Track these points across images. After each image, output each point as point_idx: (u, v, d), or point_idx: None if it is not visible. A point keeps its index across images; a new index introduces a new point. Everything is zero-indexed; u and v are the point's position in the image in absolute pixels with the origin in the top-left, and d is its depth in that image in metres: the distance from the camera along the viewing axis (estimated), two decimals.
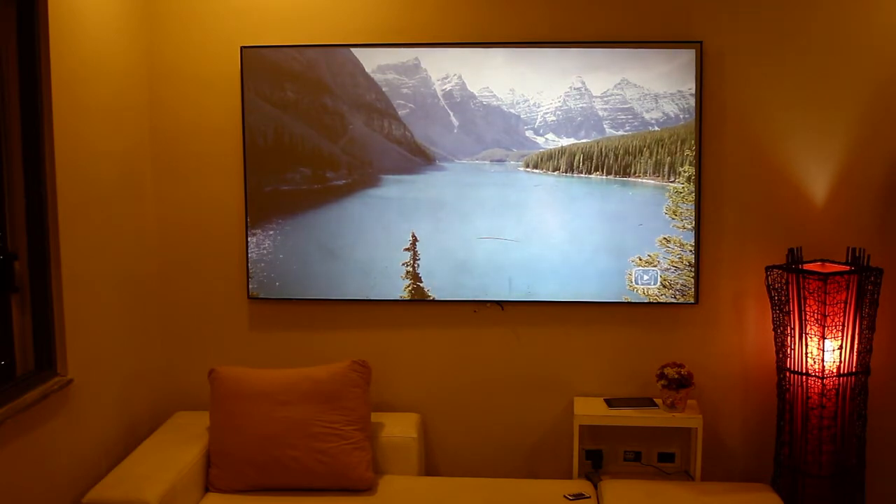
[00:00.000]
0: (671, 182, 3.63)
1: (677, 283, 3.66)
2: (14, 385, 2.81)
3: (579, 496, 3.33)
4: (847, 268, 3.39)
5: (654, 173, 3.64)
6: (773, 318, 3.52)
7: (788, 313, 3.42)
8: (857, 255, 3.39)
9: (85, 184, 3.20)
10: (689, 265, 3.66)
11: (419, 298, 3.75)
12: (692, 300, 3.68)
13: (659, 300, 3.68)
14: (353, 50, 3.67)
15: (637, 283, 3.68)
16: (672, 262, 3.66)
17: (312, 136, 3.73)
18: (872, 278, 3.33)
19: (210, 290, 3.87)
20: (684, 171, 3.61)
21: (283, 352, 3.85)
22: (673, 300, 3.68)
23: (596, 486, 3.47)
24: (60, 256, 3.00)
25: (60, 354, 3.04)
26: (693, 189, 3.62)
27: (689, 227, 3.64)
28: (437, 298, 3.75)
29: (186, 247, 3.85)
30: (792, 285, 3.39)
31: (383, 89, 3.69)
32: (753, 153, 3.65)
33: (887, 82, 3.56)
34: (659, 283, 3.67)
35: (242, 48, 3.69)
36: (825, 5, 3.57)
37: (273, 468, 3.33)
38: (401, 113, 3.72)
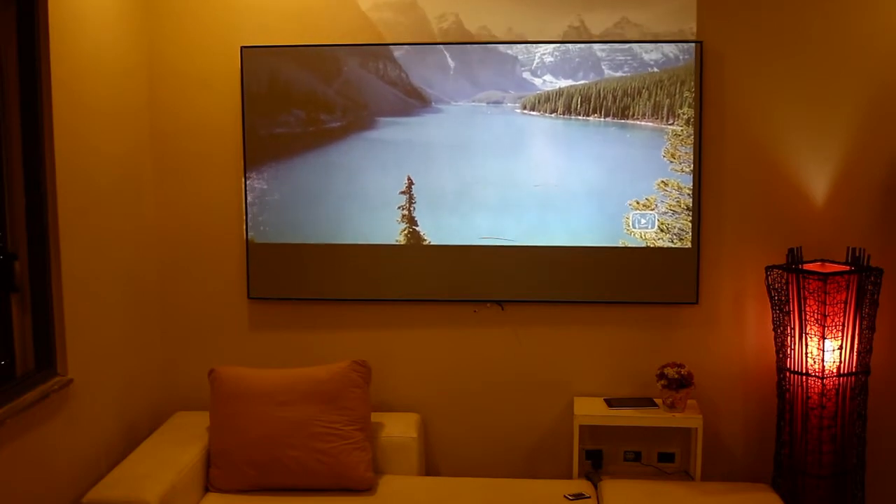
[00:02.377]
0: (670, 125, 3.60)
1: (675, 227, 3.62)
2: (14, 385, 2.81)
3: (579, 496, 3.33)
4: (847, 268, 3.39)
5: (652, 115, 3.60)
6: (773, 318, 3.52)
7: (788, 313, 3.42)
8: (857, 255, 3.39)
9: (85, 184, 3.20)
10: (687, 209, 3.62)
11: (415, 243, 3.71)
12: (689, 245, 3.63)
13: (656, 244, 3.64)
14: None
15: (634, 227, 3.64)
16: (670, 205, 3.62)
17: (307, 77, 3.70)
18: (872, 278, 3.33)
19: (210, 290, 3.87)
20: (683, 114, 3.58)
21: (283, 352, 3.85)
22: (670, 244, 3.63)
23: (596, 486, 3.47)
24: (60, 256, 3.00)
25: (60, 354, 3.04)
26: (692, 132, 3.57)
27: (688, 170, 3.60)
28: (432, 242, 3.71)
29: (186, 247, 3.85)
30: (792, 285, 3.39)
31: (379, 29, 3.65)
32: (753, 153, 3.65)
33: (888, 82, 3.56)
34: (656, 227, 3.64)
35: (242, 48, 3.69)
36: (825, 5, 3.56)
37: (273, 468, 3.33)
38: (396, 54, 3.68)
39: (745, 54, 3.61)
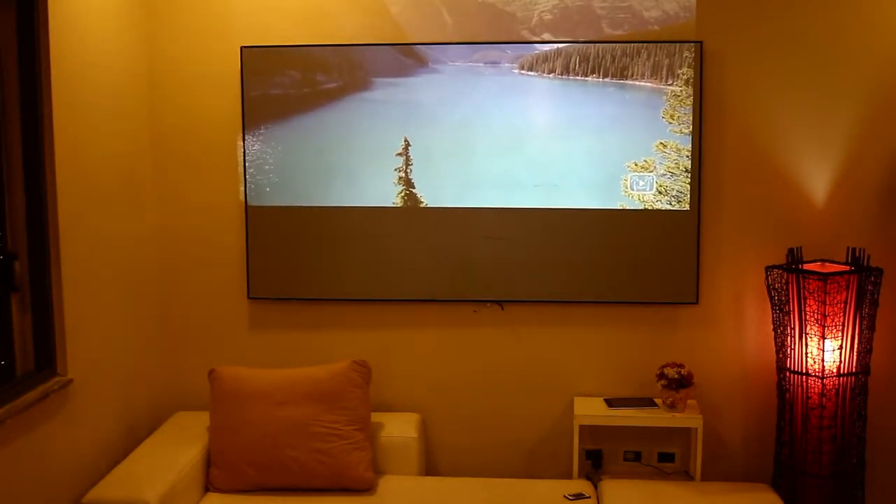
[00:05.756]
0: (669, 85, 3.57)
1: (673, 189, 3.59)
2: (14, 385, 2.81)
3: (579, 496, 3.33)
4: (847, 268, 3.39)
5: (651, 76, 3.57)
6: (773, 318, 3.52)
7: (788, 313, 3.42)
8: (857, 255, 3.39)
9: (85, 183, 3.20)
10: (686, 171, 3.60)
11: (412, 205, 3.69)
12: (687, 207, 3.62)
13: (654, 206, 3.62)
14: None
15: (633, 189, 3.61)
16: (668, 167, 3.60)
17: (303, 38, 3.67)
18: (872, 278, 3.33)
19: (210, 290, 3.87)
20: (683, 74, 3.55)
21: (283, 352, 3.85)
22: (668, 206, 3.61)
23: (596, 486, 3.47)
24: (60, 256, 3.00)
25: (60, 354, 3.04)
26: (691, 92, 3.54)
27: (687, 131, 3.57)
28: (429, 205, 3.69)
29: (186, 246, 3.85)
30: (792, 285, 3.39)
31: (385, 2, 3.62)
32: (753, 153, 3.65)
33: (888, 82, 3.56)
34: (655, 189, 3.61)
35: (242, 48, 3.69)
36: (826, 5, 3.56)
37: (273, 468, 3.33)
38: (392, 10, 3.64)
39: (745, 54, 3.60)
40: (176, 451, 3.32)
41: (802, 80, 3.60)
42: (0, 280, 2.90)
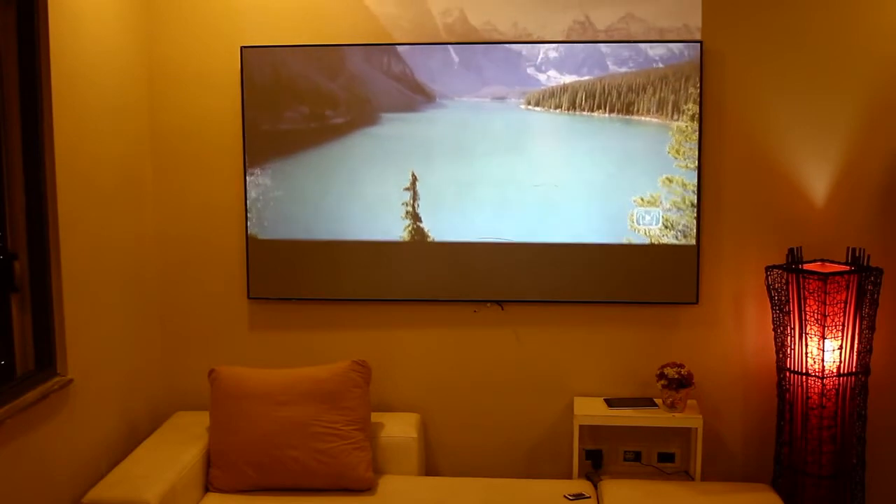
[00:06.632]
0: (675, 120, 3.59)
1: (679, 224, 3.61)
2: (14, 385, 2.80)
3: (579, 496, 3.33)
4: (847, 268, 3.39)
5: (657, 111, 3.60)
6: (773, 318, 3.52)
7: (788, 313, 3.42)
8: (857, 255, 3.39)
9: (85, 183, 3.20)
10: (692, 205, 3.61)
11: (419, 240, 3.71)
12: (693, 242, 3.64)
13: (661, 241, 3.64)
14: None
15: (639, 224, 3.64)
16: (674, 202, 3.61)
17: (310, 73, 3.70)
18: (872, 278, 3.33)
19: (210, 290, 3.87)
20: (688, 110, 3.57)
21: (283, 352, 3.85)
22: (675, 241, 3.63)
23: (596, 486, 3.47)
24: (60, 256, 3.00)
25: (60, 354, 3.04)
26: (696, 128, 3.57)
27: (692, 166, 3.59)
28: (436, 239, 3.71)
29: (186, 246, 3.85)
30: (792, 285, 3.39)
31: (382, 22, 3.64)
32: (753, 154, 3.65)
33: (887, 82, 3.56)
34: (661, 224, 3.63)
35: (242, 48, 3.69)
36: (826, 5, 3.56)
37: (273, 468, 3.33)
38: (400, 49, 3.68)
39: (745, 54, 3.60)
40: (176, 451, 3.32)
41: (802, 80, 3.60)
42: (0, 280, 2.90)
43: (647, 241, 3.65)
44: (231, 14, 3.72)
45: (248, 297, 3.83)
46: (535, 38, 3.63)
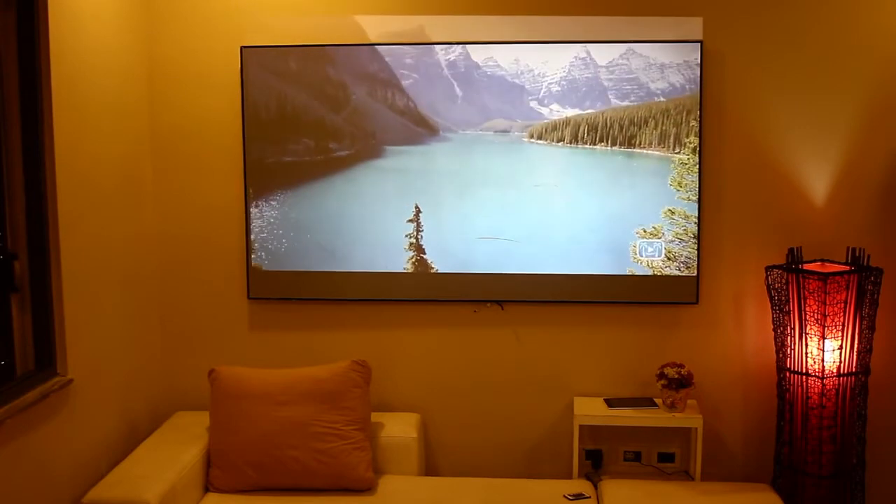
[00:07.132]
0: (676, 153, 3.61)
1: (681, 255, 3.63)
2: (14, 385, 2.81)
3: (579, 496, 3.33)
4: (847, 268, 3.39)
5: (659, 144, 3.62)
6: (773, 318, 3.52)
7: (788, 313, 3.42)
8: (857, 255, 3.39)
9: (85, 183, 3.20)
10: (694, 237, 3.64)
11: (423, 271, 3.74)
12: (695, 272, 3.65)
13: (664, 272, 3.66)
14: (356, 18, 3.67)
15: (641, 255, 3.66)
16: (676, 234, 3.63)
17: (315, 106, 3.72)
18: (872, 278, 3.33)
19: (210, 290, 3.87)
20: (689, 143, 3.59)
21: (283, 352, 3.85)
22: (678, 272, 3.65)
23: (596, 486, 3.47)
24: (60, 256, 3.00)
25: (60, 354, 3.04)
26: (698, 161, 3.59)
27: (694, 198, 3.61)
28: (440, 270, 3.73)
29: (186, 246, 3.85)
30: (792, 285, 3.39)
31: (386, 59, 3.67)
32: (753, 153, 3.65)
33: (887, 82, 3.56)
34: (663, 256, 3.65)
35: (242, 48, 3.69)
36: (826, 5, 3.57)
37: (273, 468, 3.33)
38: (404, 83, 3.70)
39: (745, 54, 3.60)
40: (176, 451, 3.32)
41: (802, 80, 3.60)
42: (0, 280, 2.90)
43: (649, 272, 3.68)
44: (231, 14, 3.72)
45: (248, 297, 3.83)
46: (536, 73, 3.66)
